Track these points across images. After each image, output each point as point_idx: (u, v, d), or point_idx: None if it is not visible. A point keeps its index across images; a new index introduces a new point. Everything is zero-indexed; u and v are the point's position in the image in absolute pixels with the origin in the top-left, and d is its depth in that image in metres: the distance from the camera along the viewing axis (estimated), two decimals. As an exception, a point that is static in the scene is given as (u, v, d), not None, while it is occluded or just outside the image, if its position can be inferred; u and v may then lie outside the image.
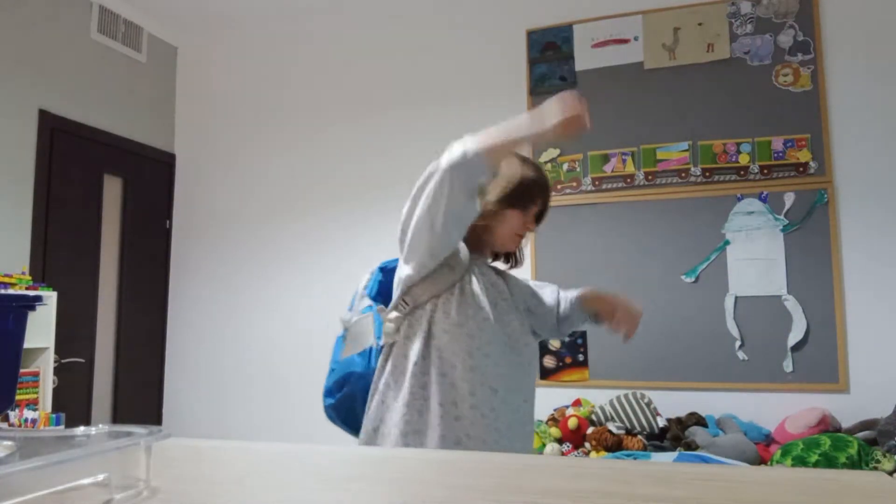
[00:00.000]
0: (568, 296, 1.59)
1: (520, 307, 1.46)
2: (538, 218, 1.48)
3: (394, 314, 1.36)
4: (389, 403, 1.32)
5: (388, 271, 1.51)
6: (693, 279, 3.12)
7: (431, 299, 1.34)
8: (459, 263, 1.37)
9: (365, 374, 1.40)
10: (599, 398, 3.10)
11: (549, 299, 1.56)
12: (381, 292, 1.48)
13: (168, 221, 4.17)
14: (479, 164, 1.23)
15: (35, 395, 2.89)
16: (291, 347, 3.77)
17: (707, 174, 3.16)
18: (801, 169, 3.03)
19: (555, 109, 1.21)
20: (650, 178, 3.24)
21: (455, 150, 1.23)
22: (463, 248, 1.40)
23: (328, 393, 1.45)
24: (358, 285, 1.53)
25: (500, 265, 1.56)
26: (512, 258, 1.57)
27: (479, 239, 1.44)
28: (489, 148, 1.23)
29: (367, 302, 1.45)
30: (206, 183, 4.14)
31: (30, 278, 2.98)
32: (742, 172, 3.11)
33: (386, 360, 1.35)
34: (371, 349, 1.41)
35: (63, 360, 3.28)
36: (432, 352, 1.31)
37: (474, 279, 1.38)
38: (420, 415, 1.29)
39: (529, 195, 1.42)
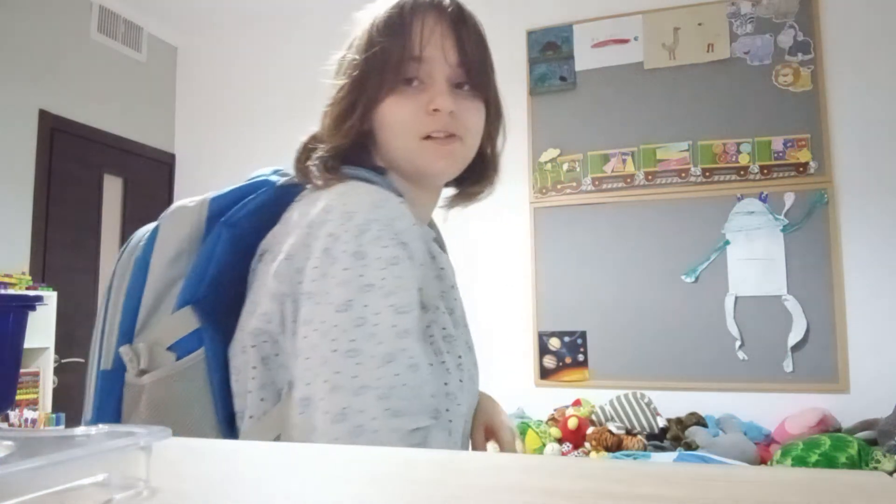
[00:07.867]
0: None
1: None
2: (465, 73, 0.73)
3: None
4: None
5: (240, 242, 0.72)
6: (693, 279, 3.11)
7: None
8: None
9: None
10: (599, 398, 3.10)
11: None
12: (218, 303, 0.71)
13: (168, 221, 4.17)
14: None
15: (35, 395, 2.89)
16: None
17: (707, 174, 3.16)
18: (801, 169, 3.03)
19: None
20: (650, 178, 3.23)
21: None
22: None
23: None
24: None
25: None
26: (467, 180, 0.81)
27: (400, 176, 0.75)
28: None
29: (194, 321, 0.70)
30: (206, 183, 4.12)
31: (30, 278, 2.98)
32: (742, 172, 3.10)
33: None
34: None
35: (63, 360, 3.28)
36: None
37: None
38: None
39: (389, 54, 0.72)
